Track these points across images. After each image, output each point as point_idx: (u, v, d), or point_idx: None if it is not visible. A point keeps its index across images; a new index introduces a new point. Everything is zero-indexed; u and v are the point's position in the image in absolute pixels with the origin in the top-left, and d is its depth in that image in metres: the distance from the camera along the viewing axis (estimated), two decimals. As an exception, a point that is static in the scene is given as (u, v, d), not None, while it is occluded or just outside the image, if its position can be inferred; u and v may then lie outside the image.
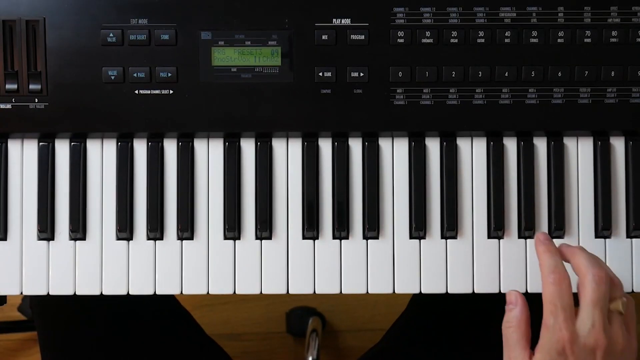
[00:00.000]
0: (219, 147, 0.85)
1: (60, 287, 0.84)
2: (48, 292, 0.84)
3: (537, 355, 0.74)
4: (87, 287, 0.84)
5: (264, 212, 0.84)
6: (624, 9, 0.83)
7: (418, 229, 0.84)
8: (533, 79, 0.83)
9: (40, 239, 0.84)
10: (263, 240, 0.84)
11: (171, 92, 0.83)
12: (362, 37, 0.82)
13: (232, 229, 0.84)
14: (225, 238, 0.84)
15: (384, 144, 0.85)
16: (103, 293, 0.84)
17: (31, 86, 0.82)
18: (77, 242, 0.84)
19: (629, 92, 0.83)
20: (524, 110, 0.83)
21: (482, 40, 0.83)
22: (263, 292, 0.84)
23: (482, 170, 0.85)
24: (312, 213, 0.84)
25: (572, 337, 0.72)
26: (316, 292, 0.84)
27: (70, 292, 0.84)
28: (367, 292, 0.84)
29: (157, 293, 0.84)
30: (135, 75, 0.82)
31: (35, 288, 0.84)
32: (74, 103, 0.82)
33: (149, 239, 0.84)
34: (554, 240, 0.85)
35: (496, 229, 0.84)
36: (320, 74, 0.83)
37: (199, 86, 0.83)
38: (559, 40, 0.83)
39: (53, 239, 0.84)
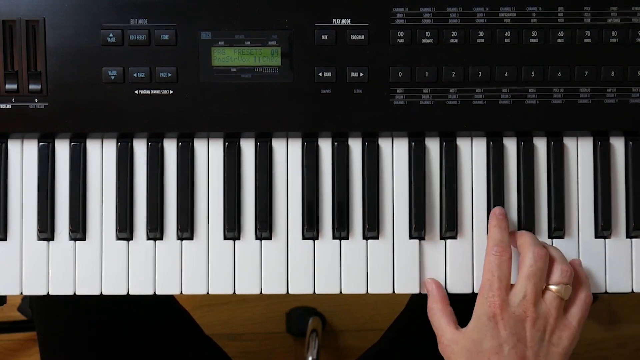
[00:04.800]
0: (219, 147, 0.85)
1: (60, 287, 0.84)
2: (48, 292, 0.84)
3: (470, 322, 0.79)
4: (87, 287, 0.84)
5: (264, 212, 0.84)
6: (624, 9, 0.83)
7: (418, 229, 0.84)
8: (533, 79, 0.83)
9: (40, 239, 0.84)
10: (263, 240, 0.84)
11: (171, 92, 0.83)
12: (362, 37, 0.82)
13: (232, 229, 0.84)
14: (225, 238, 0.84)
15: (384, 144, 0.85)
16: (103, 293, 0.84)
17: (31, 86, 0.82)
18: (77, 242, 0.84)
19: (629, 92, 0.83)
20: (524, 110, 0.83)
21: (482, 40, 0.83)
22: (263, 292, 0.84)
23: (482, 170, 0.85)
24: (312, 213, 0.84)
25: (502, 304, 0.77)
26: (316, 292, 0.84)
27: (70, 292, 0.84)
28: (367, 292, 0.84)
29: (157, 293, 0.84)
30: (135, 75, 0.82)
31: (35, 288, 0.84)
32: (74, 103, 0.82)
33: (149, 239, 0.84)
34: (554, 240, 0.85)
35: (496, 229, 0.84)
36: (320, 74, 0.83)
37: (199, 86, 0.83)
38: (559, 40, 0.83)
39: (53, 239, 0.84)
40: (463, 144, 0.85)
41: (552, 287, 0.79)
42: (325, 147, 0.85)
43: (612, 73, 0.83)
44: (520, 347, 0.77)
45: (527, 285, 0.78)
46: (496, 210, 0.83)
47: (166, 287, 0.84)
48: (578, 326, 0.80)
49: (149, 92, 0.82)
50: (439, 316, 0.81)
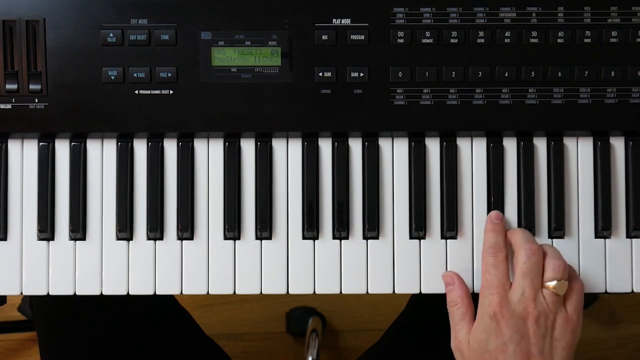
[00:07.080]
0: (219, 147, 0.85)
1: (60, 287, 0.84)
2: (48, 292, 0.84)
3: (474, 323, 0.79)
4: (87, 287, 0.84)
5: (264, 212, 0.84)
6: (624, 9, 0.83)
7: (418, 229, 0.84)
8: (533, 79, 0.83)
9: (40, 239, 0.84)
10: (263, 241, 0.84)
11: (171, 92, 0.83)
12: (362, 37, 0.82)
13: (232, 229, 0.84)
14: (225, 238, 0.84)
15: (384, 144, 0.85)
16: (103, 293, 0.84)
17: (31, 86, 0.82)
18: (77, 242, 0.84)
19: (629, 92, 0.83)
20: (524, 110, 0.83)
21: (482, 40, 0.83)
22: (263, 292, 0.84)
23: (482, 170, 0.85)
24: (312, 213, 0.84)
25: (502, 302, 0.78)
26: (316, 292, 0.84)
27: (70, 292, 0.84)
28: (367, 292, 0.84)
29: (157, 293, 0.84)
30: (135, 75, 0.82)
31: (35, 288, 0.84)
32: (74, 103, 0.82)
33: (149, 239, 0.84)
34: (554, 240, 0.85)
35: (496, 229, 0.84)
36: (320, 74, 0.83)
37: (199, 86, 0.83)
38: (559, 40, 0.83)
39: (53, 239, 0.84)
40: (463, 144, 0.85)
41: (548, 284, 0.78)
42: (326, 147, 0.85)
43: (612, 73, 0.83)
44: (524, 345, 0.77)
45: (524, 282, 0.78)
46: (492, 214, 0.83)
47: (166, 287, 0.84)
48: (578, 318, 0.79)
49: (149, 92, 0.82)
50: (462, 314, 0.80)
